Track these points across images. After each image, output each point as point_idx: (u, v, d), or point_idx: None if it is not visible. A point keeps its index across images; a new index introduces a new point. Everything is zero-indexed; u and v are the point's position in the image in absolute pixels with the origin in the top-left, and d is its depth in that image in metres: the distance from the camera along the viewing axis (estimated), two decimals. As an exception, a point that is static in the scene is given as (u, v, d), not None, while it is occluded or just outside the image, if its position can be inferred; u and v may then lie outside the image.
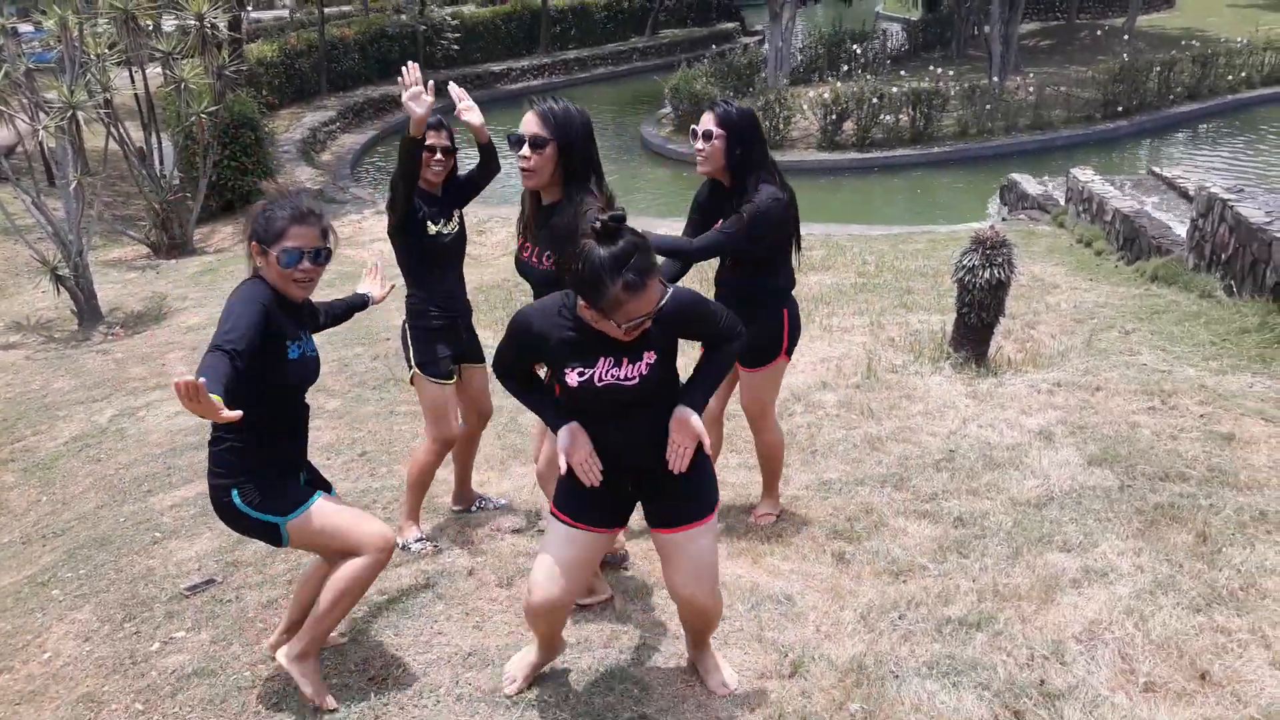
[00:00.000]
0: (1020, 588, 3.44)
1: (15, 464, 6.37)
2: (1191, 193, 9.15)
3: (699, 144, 3.64)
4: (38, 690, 3.39)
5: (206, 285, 10.50)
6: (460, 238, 4.05)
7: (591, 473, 2.66)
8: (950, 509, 4.10)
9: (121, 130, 11.62)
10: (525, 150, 3.19)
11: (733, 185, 3.68)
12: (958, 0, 25.94)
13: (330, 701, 3.04)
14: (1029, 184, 13.14)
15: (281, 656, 3.08)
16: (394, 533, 4.04)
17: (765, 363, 3.81)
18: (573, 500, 2.79)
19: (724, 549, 3.88)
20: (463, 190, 4.12)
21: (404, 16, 25.13)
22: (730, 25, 33.74)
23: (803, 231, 3.80)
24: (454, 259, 4.03)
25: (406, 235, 3.89)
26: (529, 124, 3.21)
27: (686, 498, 2.76)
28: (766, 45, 22.54)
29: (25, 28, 15.92)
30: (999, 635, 3.17)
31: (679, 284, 3.04)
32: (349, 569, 2.96)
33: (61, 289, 9.50)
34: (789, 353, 3.88)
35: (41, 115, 10.29)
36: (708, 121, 3.63)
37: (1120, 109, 19.44)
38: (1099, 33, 27.31)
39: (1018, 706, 2.84)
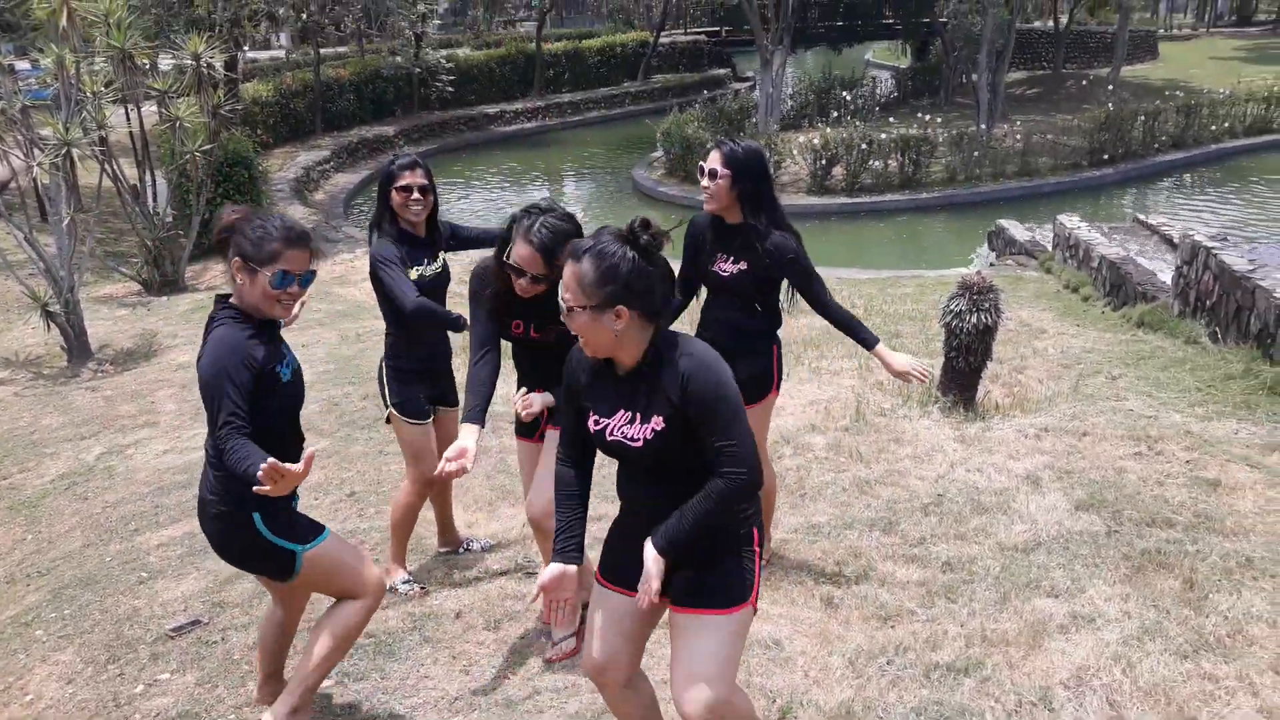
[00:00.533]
0: (1008, 633, 3.45)
1: (1, 502, 6.33)
2: (1176, 240, 9.27)
3: (705, 181, 3.67)
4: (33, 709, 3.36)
5: (197, 323, 10.49)
6: (442, 279, 4.06)
7: (556, 615, 2.48)
8: (938, 554, 4.11)
9: (116, 167, 11.67)
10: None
11: (740, 222, 3.71)
12: (946, 49, 26.37)
13: None
14: (1016, 230, 13.28)
15: (270, 717, 2.96)
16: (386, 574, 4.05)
17: (759, 398, 3.81)
18: (608, 559, 2.60)
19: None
20: (456, 236, 4.16)
21: (399, 59, 25.37)
22: (722, 71, 34.15)
23: None
24: (435, 301, 4.02)
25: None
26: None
27: (708, 576, 2.41)
28: (757, 91, 22.84)
29: (22, 65, 16.02)
30: (987, 681, 3.18)
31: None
32: (344, 614, 2.94)
33: (52, 325, 9.48)
34: (778, 388, 3.92)
35: (36, 152, 10.35)
36: (714, 160, 3.65)
37: (1106, 157, 19.71)
38: (1084, 82, 27.76)
39: (1006, 754, 2.84)
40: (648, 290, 2.31)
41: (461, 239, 4.22)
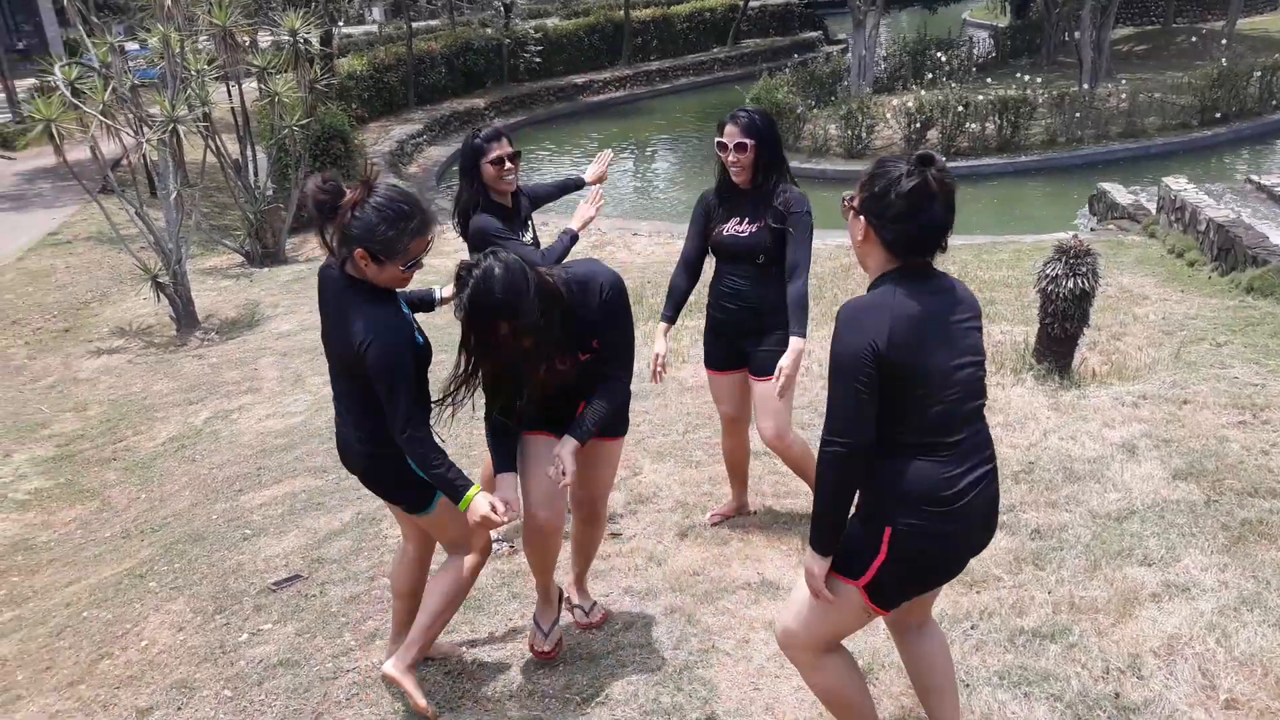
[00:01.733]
0: (1097, 600, 3.39)
1: (117, 463, 6.68)
2: (1291, 201, 8.84)
3: (731, 156, 3.72)
4: (135, 675, 3.57)
5: (297, 293, 10.83)
6: (534, 247, 4.11)
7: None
8: (1028, 521, 4.05)
9: (219, 143, 12.07)
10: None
11: (751, 186, 3.77)
12: (1048, 6, 25.41)
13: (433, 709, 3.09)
14: (1119, 193, 12.80)
15: (391, 668, 3.05)
16: None
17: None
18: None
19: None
20: (533, 201, 4.23)
21: (489, 30, 25.58)
22: (813, 34, 33.53)
23: None
24: None
25: None
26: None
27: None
28: (850, 54, 22.38)
29: (131, 45, 16.61)
30: (1073, 647, 3.13)
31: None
32: (454, 569, 3.09)
33: (161, 296, 9.91)
34: None
35: (145, 129, 10.76)
36: (735, 134, 3.71)
37: (1219, 115, 18.79)
38: (1196, 38, 26.44)
39: (1090, 718, 2.80)
40: (890, 220, 2.30)
41: (536, 200, 4.28)
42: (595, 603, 3.60)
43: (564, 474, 2.85)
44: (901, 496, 2.28)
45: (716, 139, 3.79)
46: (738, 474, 4.30)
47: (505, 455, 3.02)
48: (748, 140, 3.69)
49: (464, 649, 3.44)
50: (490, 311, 2.69)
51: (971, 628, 3.30)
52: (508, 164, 3.88)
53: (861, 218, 2.32)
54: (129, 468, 6.53)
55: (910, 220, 2.25)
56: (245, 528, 4.84)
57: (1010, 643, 3.19)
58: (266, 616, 3.86)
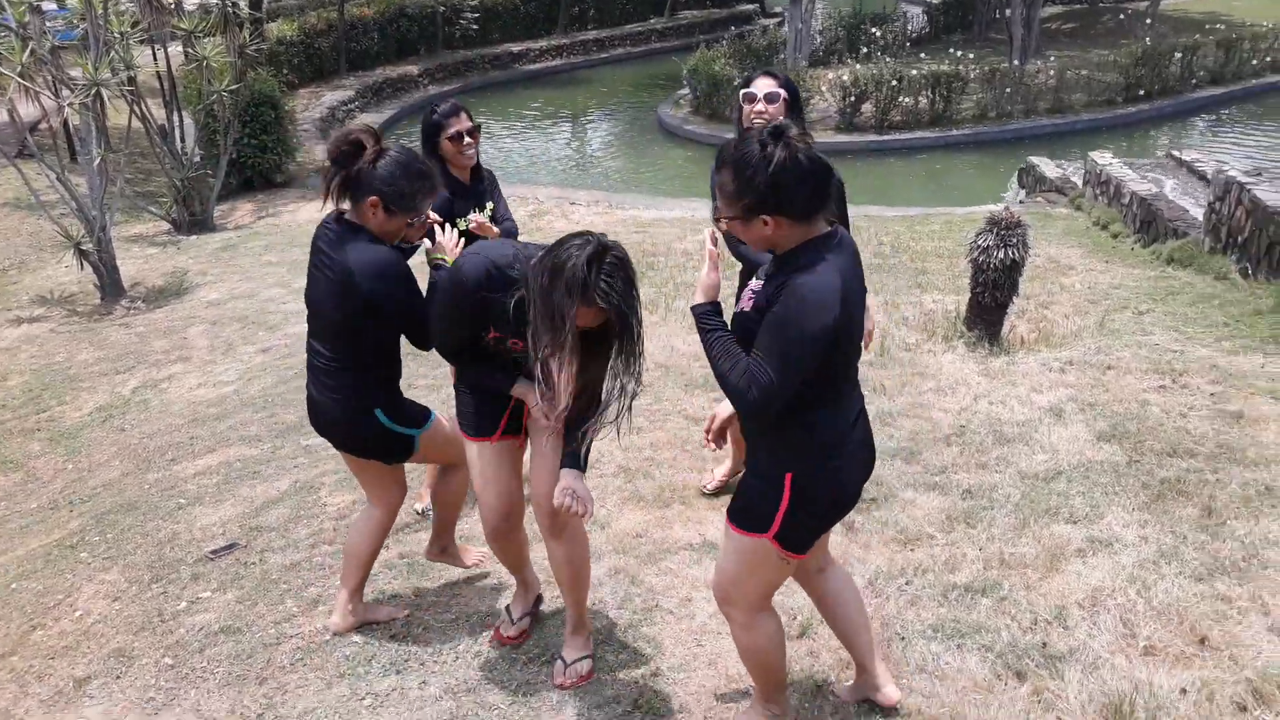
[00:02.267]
0: (1026, 556, 3.51)
1: (41, 433, 6.51)
2: (1209, 176, 9.13)
3: (760, 106, 3.59)
4: (70, 645, 3.51)
5: (227, 261, 10.61)
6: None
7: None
8: (959, 481, 4.17)
9: (144, 108, 11.72)
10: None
11: None
12: (979, -18, 25.79)
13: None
14: (1047, 167, 13.10)
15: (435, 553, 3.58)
16: (416, 499, 4.16)
17: None
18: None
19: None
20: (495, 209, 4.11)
21: (423, -4, 25.11)
22: (750, 7, 33.51)
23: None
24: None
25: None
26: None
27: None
28: (786, 27, 22.44)
29: (49, 5, 16.01)
30: (1003, 601, 3.24)
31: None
32: (451, 483, 3.42)
33: (85, 264, 9.63)
34: None
35: (66, 92, 10.40)
36: (768, 85, 3.62)
37: (1142, 93, 19.29)
38: (1122, 17, 27.08)
39: (1019, 667, 2.91)
40: (786, 196, 2.27)
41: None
42: (584, 656, 3.09)
43: (583, 505, 2.69)
44: (805, 445, 2.38)
45: (743, 92, 3.67)
46: (736, 438, 4.13)
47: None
48: (781, 91, 3.61)
49: (408, 613, 3.44)
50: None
51: (906, 583, 3.40)
52: (466, 139, 3.85)
53: (760, 218, 2.29)
54: (54, 438, 6.36)
55: (803, 182, 2.27)
56: (180, 497, 4.77)
57: (943, 597, 3.29)
58: (205, 585, 3.82)
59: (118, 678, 3.27)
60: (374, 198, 2.90)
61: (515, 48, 26.45)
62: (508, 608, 3.33)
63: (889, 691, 2.79)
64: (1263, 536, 3.55)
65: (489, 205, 4.05)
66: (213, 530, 4.32)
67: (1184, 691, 2.75)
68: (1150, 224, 9.00)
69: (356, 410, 3.08)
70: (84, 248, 9.52)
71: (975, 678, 2.89)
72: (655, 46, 28.82)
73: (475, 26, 25.44)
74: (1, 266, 11.12)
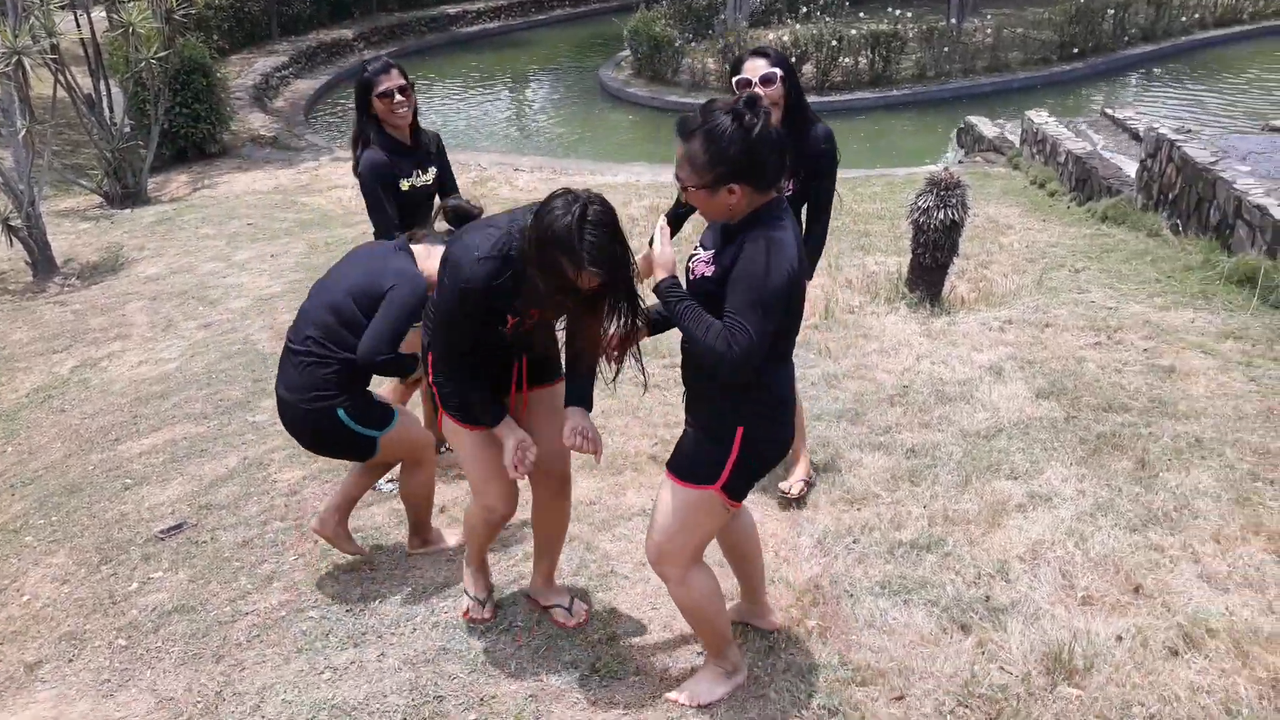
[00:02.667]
0: (969, 513, 3.62)
1: (-23, 416, 6.36)
2: (1141, 134, 9.32)
3: (758, 90, 3.27)
4: (19, 630, 3.47)
5: (162, 235, 10.38)
6: (432, 190, 4.04)
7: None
8: (903, 441, 4.26)
9: (69, 76, 11.36)
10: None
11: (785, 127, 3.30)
12: (916, -60, 25.84)
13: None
14: (985, 126, 13.26)
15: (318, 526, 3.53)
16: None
17: None
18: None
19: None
20: (444, 180, 4.13)
21: (356, -43, 24.54)
22: (689, -34, 33.32)
23: None
24: (428, 213, 3.97)
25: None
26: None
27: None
28: (725, -13, 22.34)
29: (-38, -30, 15.39)
30: (948, 556, 3.35)
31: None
32: (419, 479, 3.48)
33: (14, 240, 9.36)
34: None
35: (-16, 61, 10.05)
36: (761, 66, 3.39)
37: (1076, 51, 19.56)
38: (1056, -27, 27.35)
39: (964, 620, 3.02)
40: (759, 166, 2.36)
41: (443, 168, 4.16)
42: (574, 597, 3.24)
43: (594, 445, 2.73)
44: (762, 401, 2.52)
45: (735, 79, 3.41)
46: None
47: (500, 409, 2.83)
48: (776, 70, 3.38)
49: (363, 586, 3.46)
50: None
51: (854, 542, 3.48)
52: (398, 96, 3.81)
53: (726, 188, 2.37)
54: (-10, 421, 6.23)
55: (776, 152, 2.38)
56: (125, 477, 4.70)
57: (890, 554, 3.39)
58: (156, 565, 3.79)
59: (70, 661, 3.25)
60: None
61: (452, 9, 26.03)
62: (472, 594, 3.23)
63: (773, 619, 3.03)
64: (1193, 487, 3.69)
65: (431, 170, 4.02)
66: (161, 510, 4.28)
67: (1119, 639, 2.87)
68: (1085, 182, 9.18)
69: (319, 410, 3.16)
70: (12, 224, 9.24)
71: (922, 631, 2.99)
72: (595, 7, 28.49)
73: (410, -11, 24.97)
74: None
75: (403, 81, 3.83)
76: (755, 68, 3.41)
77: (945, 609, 3.08)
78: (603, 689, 2.87)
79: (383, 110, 3.82)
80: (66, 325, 7.78)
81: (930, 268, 6.12)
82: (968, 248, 7.13)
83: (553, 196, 2.50)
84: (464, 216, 2.99)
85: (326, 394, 3.14)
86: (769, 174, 2.38)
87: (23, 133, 9.65)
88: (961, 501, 3.71)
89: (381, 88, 3.78)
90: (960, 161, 13.01)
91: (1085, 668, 2.77)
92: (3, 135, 11.00)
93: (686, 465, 2.60)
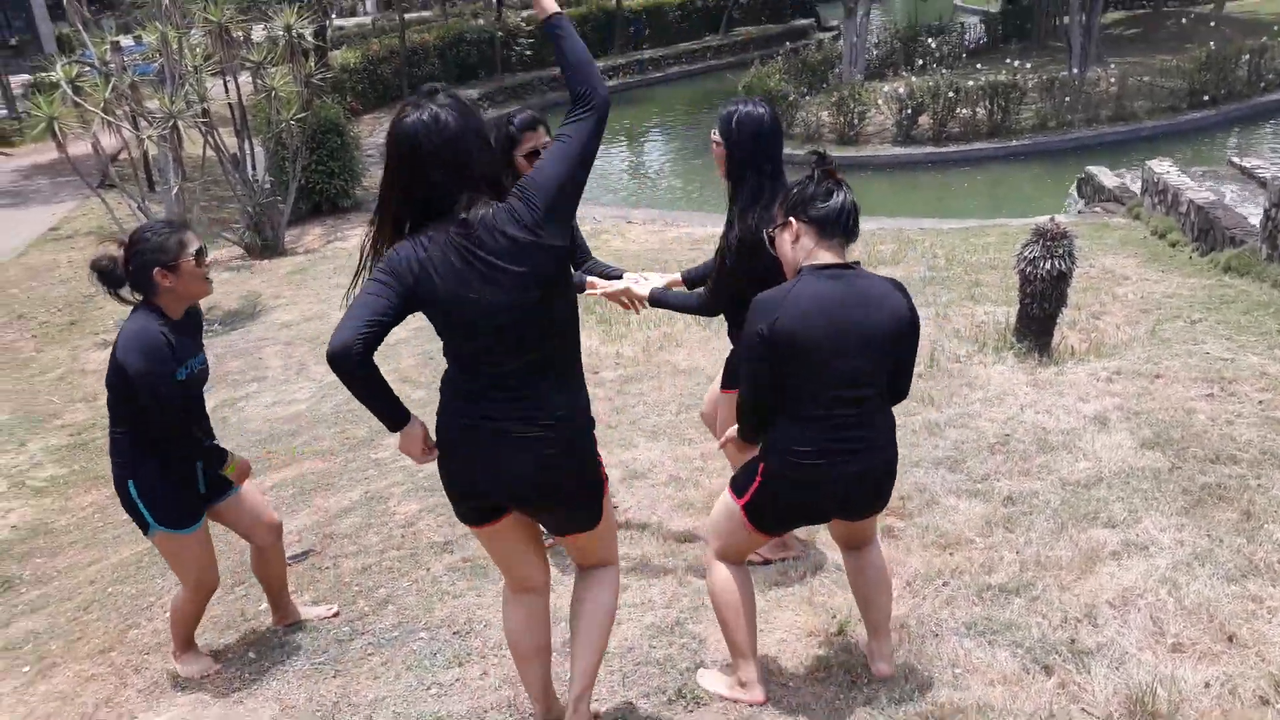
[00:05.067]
0: (1061, 559, 3.62)
1: (129, 449, 6.88)
2: (1268, 182, 9.05)
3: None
4: (164, 642, 3.80)
5: (297, 284, 11.03)
6: None
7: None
8: (1001, 489, 4.28)
9: (217, 137, 12.24)
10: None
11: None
12: (1037, -10, 25.58)
13: (208, 666, 3.58)
14: (1106, 176, 13.02)
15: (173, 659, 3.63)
16: None
17: None
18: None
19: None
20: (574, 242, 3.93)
21: (481, 21, 25.71)
22: (805, 21, 33.68)
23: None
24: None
25: None
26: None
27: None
28: (841, 40, 22.54)
29: (128, 42, 16.76)
30: (1036, 600, 3.36)
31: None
32: (176, 603, 3.51)
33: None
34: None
35: (144, 124, 10.93)
36: (716, 127, 3.41)
37: (1207, 98, 19.00)
38: (1186, 20, 26.62)
39: (1047, 661, 3.04)
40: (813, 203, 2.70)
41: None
42: None
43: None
44: (779, 449, 2.74)
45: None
46: None
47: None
48: (715, 137, 3.39)
49: (469, 612, 3.66)
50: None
51: (943, 584, 3.53)
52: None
53: (789, 221, 2.69)
54: (141, 455, 6.73)
55: (829, 199, 2.65)
56: (259, 493, 5.05)
57: (978, 597, 3.42)
58: (283, 587, 4.09)
59: (206, 670, 3.54)
60: (156, 270, 3.18)
61: (572, 69, 26.85)
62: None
63: (882, 666, 3.05)
64: (1300, 539, 3.61)
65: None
66: (290, 538, 4.59)
67: (1207, 685, 2.85)
68: (1208, 232, 8.95)
69: (119, 475, 3.28)
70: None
71: (1004, 671, 3.02)
72: (710, 64, 29.10)
73: (530, 51, 25.95)
74: (87, 293, 11.67)
75: (548, 140, 3.57)
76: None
77: (1029, 650, 3.10)
78: (688, 714, 3.00)
79: (524, 169, 3.57)
80: (209, 367, 8.35)
81: (1038, 317, 6.10)
82: (1080, 298, 7.07)
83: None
84: None
85: (119, 461, 3.30)
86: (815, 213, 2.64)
87: (175, 189, 10.45)
88: (1055, 548, 3.71)
89: (525, 147, 3.61)
90: (1080, 212, 12.79)
91: (1170, 713, 2.76)
92: (158, 191, 11.91)
93: (737, 474, 2.92)
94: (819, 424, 2.66)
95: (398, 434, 2.54)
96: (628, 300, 3.49)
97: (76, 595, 4.54)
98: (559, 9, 2.58)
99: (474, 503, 2.60)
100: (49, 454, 7.03)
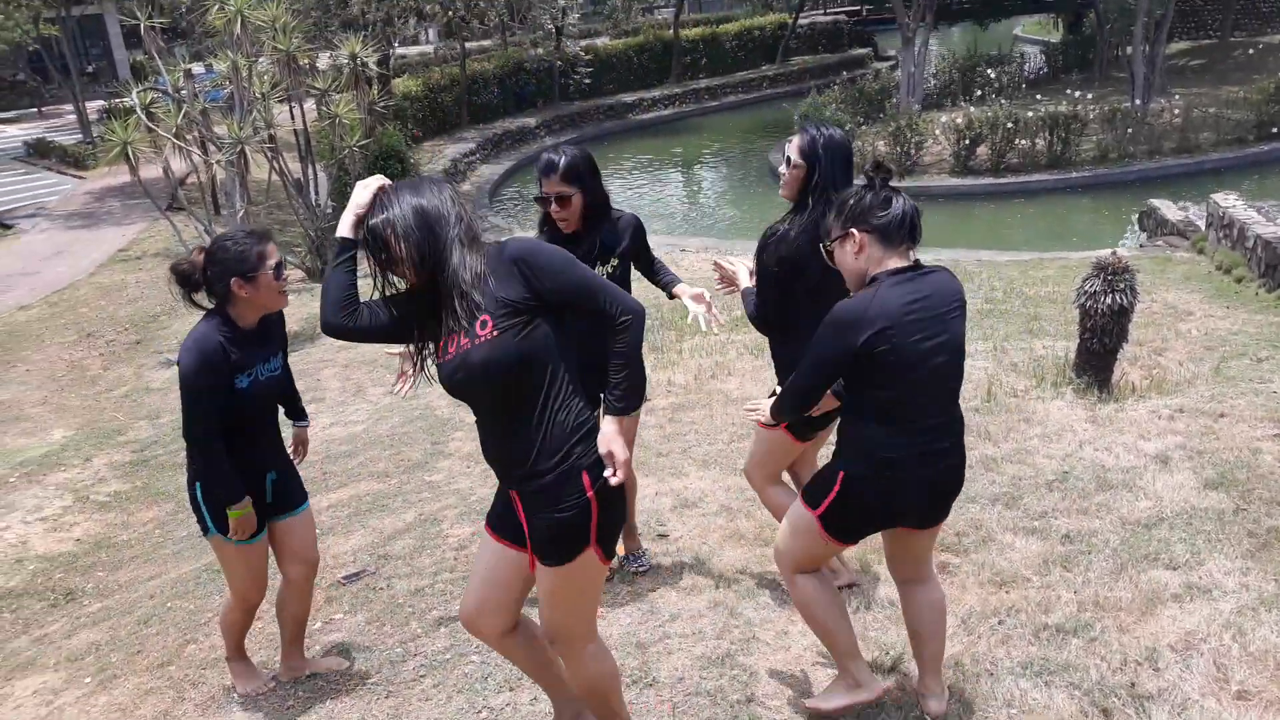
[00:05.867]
0: (1121, 600, 3.55)
1: (184, 473, 7.03)
2: (1339, 217, 8.86)
3: (783, 168, 3.46)
4: (220, 659, 3.86)
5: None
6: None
7: None
8: (1059, 526, 4.21)
9: (282, 163, 12.53)
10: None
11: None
12: (1100, 21, 25.32)
13: (259, 684, 3.58)
14: (1169, 210, 12.82)
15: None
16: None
17: None
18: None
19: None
20: (650, 268, 3.98)
21: (540, 51, 26.07)
22: (862, 51, 33.68)
23: (930, 257, 3.78)
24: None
25: None
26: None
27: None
28: (899, 70, 22.51)
29: (199, 69, 17.24)
30: (1094, 641, 3.30)
31: None
32: (224, 611, 3.56)
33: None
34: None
35: (212, 149, 11.24)
36: (793, 147, 3.39)
37: (1275, 130, 18.63)
38: (1254, 50, 26.19)
39: (1106, 705, 2.97)
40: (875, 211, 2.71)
41: (651, 273, 3.98)
42: None
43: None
44: (864, 453, 2.73)
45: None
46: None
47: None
48: (797, 159, 3.35)
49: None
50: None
51: (999, 623, 3.48)
52: (553, 204, 3.55)
53: (851, 232, 2.69)
54: (201, 473, 6.87)
55: (890, 206, 2.68)
56: (314, 528, 5.13)
57: (1035, 637, 3.36)
58: (338, 607, 4.15)
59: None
60: (234, 279, 3.19)
61: (629, 98, 27.17)
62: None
63: (933, 705, 2.99)
64: (1372, 587, 3.51)
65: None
66: (344, 558, 4.66)
67: (1274, 735, 2.78)
68: (1276, 268, 8.77)
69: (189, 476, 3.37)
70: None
71: (1061, 713, 2.96)
72: (767, 93, 29.19)
73: (588, 80, 26.24)
74: (153, 313, 12.00)
75: (561, 190, 3.52)
76: (791, 144, 3.41)
77: (1087, 692, 3.04)
78: (739, 747, 2.98)
79: (552, 211, 3.59)
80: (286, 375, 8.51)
81: (1098, 353, 6.01)
82: (1142, 334, 6.95)
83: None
84: None
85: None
86: (879, 221, 2.66)
87: (241, 213, 10.71)
88: (1115, 589, 3.64)
89: (541, 191, 3.57)
90: (1141, 245, 12.60)
91: (1235, 762, 2.69)
92: (224, 215, 12.20)
93: (809, 486, 2.90)
94: (912, 427, 2.69)
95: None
96: (731, 280, 3.62)
97: (137, 609, 4.64)
98: None
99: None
100: (113, 470, 7.21)
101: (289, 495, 3.47)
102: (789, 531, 2.91)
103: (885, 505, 2.77)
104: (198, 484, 3.28)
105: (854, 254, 2.70)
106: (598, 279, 2.52)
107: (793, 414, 2.91)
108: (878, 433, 2.69)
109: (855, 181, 2.90)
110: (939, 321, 2.64)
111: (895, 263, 2.67)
